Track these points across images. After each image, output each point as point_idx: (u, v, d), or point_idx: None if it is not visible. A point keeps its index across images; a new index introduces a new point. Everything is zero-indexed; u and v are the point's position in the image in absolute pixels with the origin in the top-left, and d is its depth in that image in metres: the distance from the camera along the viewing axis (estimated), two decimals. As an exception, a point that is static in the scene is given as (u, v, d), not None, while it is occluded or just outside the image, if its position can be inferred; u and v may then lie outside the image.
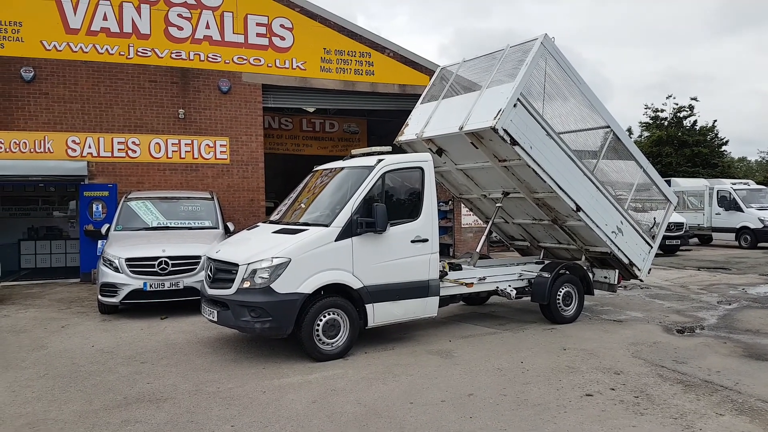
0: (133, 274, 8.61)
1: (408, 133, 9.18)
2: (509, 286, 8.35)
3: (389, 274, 6.78)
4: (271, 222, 7.42)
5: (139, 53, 13.50)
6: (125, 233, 9.53)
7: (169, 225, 9.76)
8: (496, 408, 4.98)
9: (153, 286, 8.62)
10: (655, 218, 9.43)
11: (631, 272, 9.05)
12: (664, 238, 18.85)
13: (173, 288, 8.70)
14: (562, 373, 5.96)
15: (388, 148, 7.59)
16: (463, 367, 6.17)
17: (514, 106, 7.60)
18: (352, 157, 7.81)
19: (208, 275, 6.81)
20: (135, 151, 13.48)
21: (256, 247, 6.56)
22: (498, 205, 9.19)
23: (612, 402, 5.12)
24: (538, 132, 7.85)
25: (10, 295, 11.04)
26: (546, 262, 9.12)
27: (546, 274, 8.30)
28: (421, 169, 7.18)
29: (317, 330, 6.31)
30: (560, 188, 8.04)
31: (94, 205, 13.03)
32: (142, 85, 13.55)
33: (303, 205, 7.37)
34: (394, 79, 15.79)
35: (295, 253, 6.21)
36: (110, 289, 8.66)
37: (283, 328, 6.18)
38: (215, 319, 6.53)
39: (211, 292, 6.63)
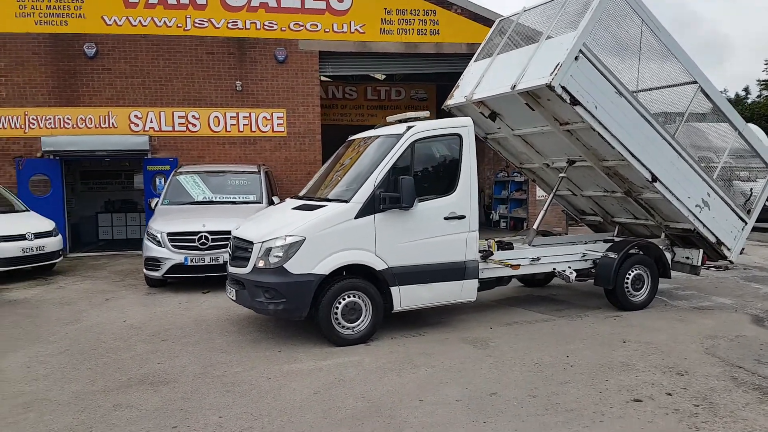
0: (175, 249, 8.49)
1: (457, 96, 8.29)
2: (569, 267, 7.37)
3: (418, 254, 6.08)
4: (297, 197, 6.92)
5: (196, 24, 13.37)
6: (171, 207, 9.45)
7: (213, 199, 9.58)
8: (518, 412, 4.22)
9: (194, 260, 8.47)
10: (752, 189, 8.00)
11: (719, 252, 7.75)
12: (773, 210, 16.80)
13: (213, 263, 8.52)
14: (613, 371, 5.06)
15: (426, 113, 6.80)
16: (496, 360, 5.41)
17: (576, 59, 6.54)
18: (387, 125, 7.09)
19: (230, 252, 6.44)
20: (195, 125, 13.48)
21: (272, 225, 6.08)
22: (561, 175, 8.14)
23: (663, 411, 4.20)
24: (605, 89, 6.74)
25: (76, 267, 11.43)
26: (616, 239, 8.01)
27: (613, 255, 7.24)
28: (459, 136, 6.35)
29: (336, 313, 5.77)
30: (632, 155, 6.91)
31: (157, 179, 13.21)
32: (200, 58, 13.44)
33: (330, 179, 6.78)
34: (462, 37, 14.65)
35: (310, 232, 5.66)
36: (153, 263, 8.61)
37: (298, 310, 5.69)
38: (234, 298, 6.17)
39: (231, 270, 6.27)
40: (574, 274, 7.30)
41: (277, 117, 13.86)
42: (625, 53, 7.19)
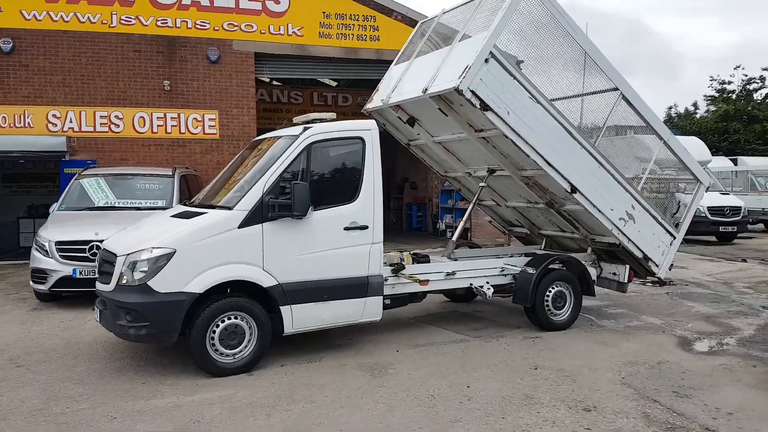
0: (63, 259, 7.69)
1: (376, 100, 7.77)
2: (487, 282, 6.88)
3: (314, 268, 5.49)
4: (186, 204, 6.25)
5: (122, 21, 12.59)
6: (67, 213, 8.65)
7: (116, 205, 8.79)
8: (388, 462, 3.64)
9: (83, 272, 7.66)
10: (680, 202, 7.65)
11: (646, 268, 7.35)
12: (718, 224, 16.76)
13: (109, 276, 7.73)
14: (513, 406, 4.53)
15: (332, 115, 6.24)
16: (388, 392, 4.83)
17: (486, 61, 6.07)
18: (293, 125, 6.49)
19: (97, 266, 5.73)
20: (118, 126, 12.66)
21: (141, 235, 5.41)
22: (481, 185, 7.67)
23: (555, 460, 3.68)
24: (518, 94, 6.28)
25: (-25, 278, 10.47)
26: (540, 253, 7.56)
27: (531, 270, 6.76)
28: (361, 139, 5.79)
29: (212, 338, 5.10)
30: (549, 164, 6.46)
31: (75, 183, 12.30)
32: (125, 56, 12.66)
33: (224, 184, 6.14)
34: (403, 44, 14.17)
35: (181, 243, 5.00)
36: (40, 274, 7.80)
37: (164, 335, 5.02)
38: (98, 319, 5.45)
39: (97, 286, 5.54)
40: (492, 290, 6.81)
41: (209, 119, 13.14)
42: (543, 58, 6.78)
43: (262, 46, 13.36)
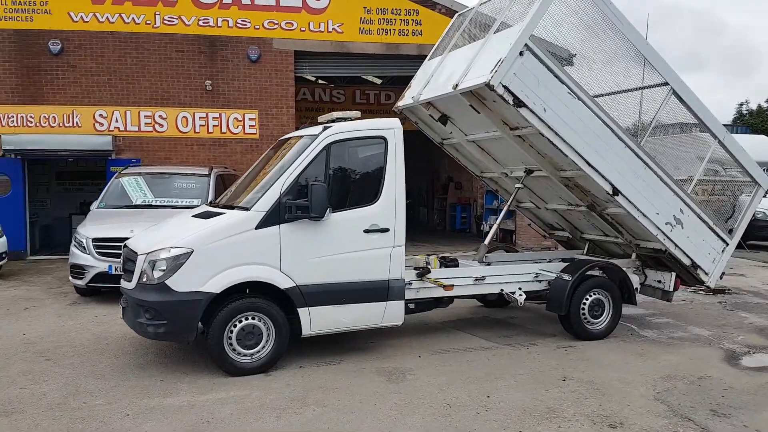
0: (100, 256, 7.85)
1: (407, 97, 7.54)
2: (519, 288, 6.57)
3: (333, 271, 5.35)
4: (211, 204, 6.22)
5: (165, 21, 12.83)
6: (106, 211, 8.84)
7: (153, 203, 8.93)
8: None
9: (119, 269, 7.77)
10: (735, 206, 7.11)
11: (695, 276, 6.87)
12: (784, 227, 15.67)
13: (143, 272, 7.85)
14: (533, 419, 4.26)
15: (357, 114, 6.08)
16: (403, 398, 4.64)
17: (520, 54, 5.77)
18: (317, 124, 6.38)
19: (122, 264, 5.77)
20: (162, 125, 12.92)
21: (163, 234, 5.40)
22: (517, 186, 7.36)
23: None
24: (556, 90, 5.95)
25: (24, 270, 10.90)
26: (578, 258, 7.17)
27: (567, 276, 6.41)
28: (384, 139, 5.60)
29: (230, 338, 5.04)
30: (589, 164, 6.11)
31: (121, 181, 12.64)
32: (168, 56, 12.90)
33: (247, 185, 6.08)
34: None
35: (199, 243, 4.96)
36: (78, 270, 8.00)
37: (182, 333, 5.00)
38: (122, 316, 5.48)
39: (122, 284, 5.58)
40: (524, 296, 6.49)
41: (249, 118, 13.25)
42: (585, 51, 6.41)
43: (301, 44, 13.35)
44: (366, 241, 5.45)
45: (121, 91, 12.77)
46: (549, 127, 5.92)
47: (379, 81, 19.20)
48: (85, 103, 12.63)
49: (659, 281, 7.01)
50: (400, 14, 13.69)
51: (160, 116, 12.89)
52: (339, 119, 5.93)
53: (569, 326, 6.49)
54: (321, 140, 5.39)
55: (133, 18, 12.71)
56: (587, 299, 6.45)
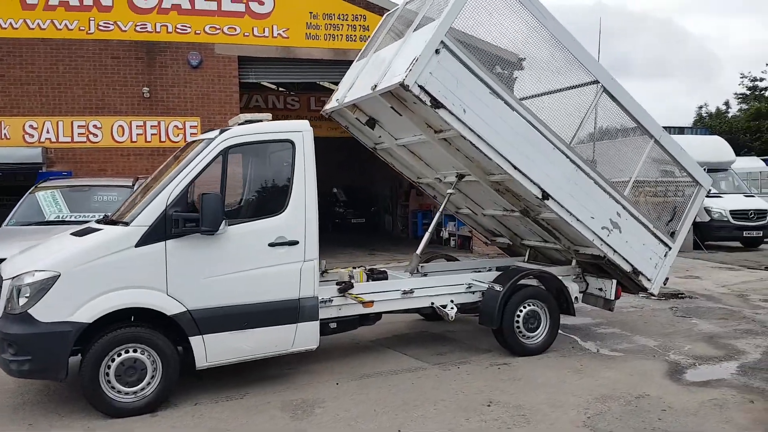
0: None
1: (333, 100, 7.10)
2: (451, 301, 6.11)
3: (231, 292, 4.81)
4: (104, 220, 5.60)
5: (100, 27, 12.17)
6: (15, 229, 8.14)
7: (68, 219, 8.26)
8: None
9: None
10: (675, 208, 6.76)
11: (637, 283, 6.50)
12: (742, 228, 15.53)
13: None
14: (440, 460, 3.77)
15: (268, 116, 5.56)
16: (300, 439, 4.12)
17: (437, 52, 5.35)
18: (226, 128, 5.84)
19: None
20: (96, 135, 12.24)
21: (35, 255, 4.80)
22: (449, 191, 6.93)
23: None
24: (476, 89, 5.53)
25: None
26: (514, 266, 6.73)
27: (498, 287, 5.96)
28: (291, 143, 5.10)
29: (107, 374, 4.44)
30: (515, 168, 5.70)
31: (53, 195, 11.91)
32: (103, 63, 12.23)
33: (140, 195, 5.50)
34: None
35: (66, 265, 4.38)
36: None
37: (49, 371, 4.41)
38: (-6, 350, 4.86)
39: (-10, 313, 4.95)
40: (455, 310, 6.03)
41: (191, 126, 12.63)
42: (514, 50, 6.00)
43: (245, 50, 12.80)
44: (271, 256, 4.92)
45: (52, 100, 12.06)
46: (470, 129, 5.49)
47: (335, 86, 18.71)
48: (14, 114, 11.89)
49: (600, 289, 6.62)
50: (347, 20, 13.26)
51: (95, 126, 12.20)
52: (248, 121, 5.41)
53: (503, 341, 6.04)
54: (216, 144, 4.86)
55: (66, 24, 12.03)
56: (521, 311, 6.01)
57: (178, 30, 12.47)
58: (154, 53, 12.42)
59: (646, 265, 6.40)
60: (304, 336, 5.09)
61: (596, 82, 6.17)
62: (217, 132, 5.05)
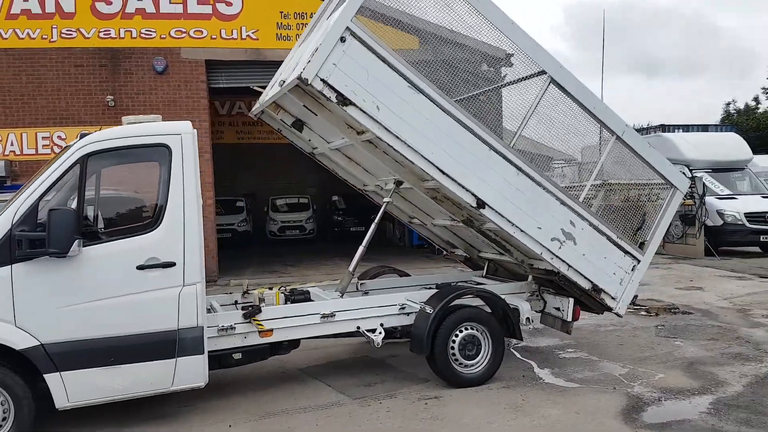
0: None
1: (260, 100, 6.44)
2: (381, 325, 5.34)
3: (93, 322, 4.15)
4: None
5: (63, 35, 11.76)
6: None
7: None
8: None
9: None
10: (645, 215, 5.89)
11: (599, 302, 5.65)
12: (758, 232, 14.33)
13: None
14: None
15: (157, 117, 4.90)
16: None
17: (341, 40, 4.65)
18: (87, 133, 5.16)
19: None
20: (61, 147, 11.72)
21: None
22: (386, 200, 6.16)
23: None
24: (392, 83, 4.81)
25: None
26: (454, 284, 5.93)
27: (429, 309, 5.18)
28: (167, 147, 4.44)
29: (-63, 420, 3.86)
30: (443, 173, 4.96)
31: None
32: (67, 71, 11.82)
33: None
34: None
35: None
36: None
37: None
38: None
39: None
40: (382, 335, 5.27)
41: (159, 136, 12.10)
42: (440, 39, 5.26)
43: (213, 53, 12.27)
44: (141, 281, 4.25)
45: (15, 112, 11.69)
46: (386, 129, 4.76)
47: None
48: (-25, 127, 11.56)
49: (558, 309, 5.78)
50: (320, 17, 12.60)
51: (59, 137, 11.77)
52: (135, 123, 4.75)
53: (437, 370, 5.25)
54: (72, 152, 4.23)
55: (28, 33, 11.66)
56: (457, 336, 5.21)
57: (142, 35, 12.00)
58: (118, 60, 11.97)
59: (609, 282, 5.55)
60: (187, 372, 4.39)
61: (543, 72, 5.37)
62: (78, 137, 4.41)
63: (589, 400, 4.86)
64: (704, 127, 19.58)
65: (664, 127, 19.19)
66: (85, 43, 11.83)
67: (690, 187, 14.03)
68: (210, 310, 5.44)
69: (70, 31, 11.79)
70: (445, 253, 7.67)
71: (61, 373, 4.06)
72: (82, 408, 4.20)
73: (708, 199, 14.01)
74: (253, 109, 6.52)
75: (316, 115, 5.33)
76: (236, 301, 5.76)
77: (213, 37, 12.20)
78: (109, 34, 11.89)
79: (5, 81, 11.66)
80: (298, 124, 6.13)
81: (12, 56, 11.66)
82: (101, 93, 11.90)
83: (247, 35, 12.32)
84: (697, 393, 4.99)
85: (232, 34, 12.27)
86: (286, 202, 22.63)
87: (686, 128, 19.00)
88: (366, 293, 6.38)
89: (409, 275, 7.11)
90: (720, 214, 14.14)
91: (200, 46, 12.16)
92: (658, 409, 4.68)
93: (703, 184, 13.88)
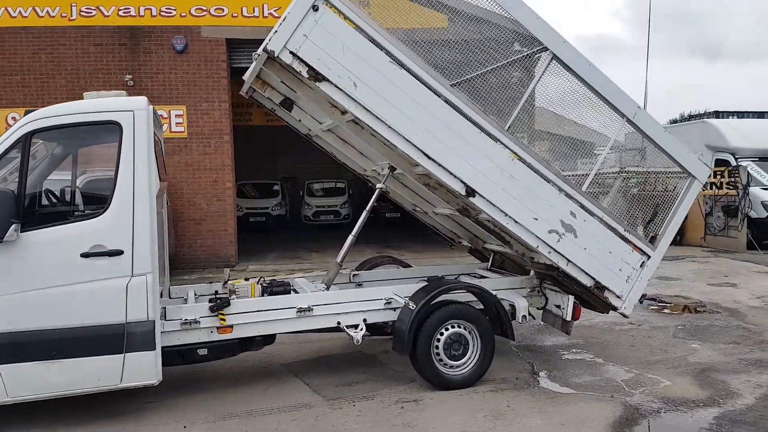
0: None
1: (245, 75, 6.08)
2: (364, 320, 4.98)
3: (33, 314, 3.93)
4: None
5: (82, 13, 11.72)
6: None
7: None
8: None
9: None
10: (657, 206, 5.29)
11: (603, 300, 5.12)
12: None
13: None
14: None
15: (121, 93, 4.62)
16: None
17: (314, 9, 4.27)
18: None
19: None
20: (80, 126, 11.85)
21: None
22: (379, 186, 5.77)
23: None
24: (371, 57, 4.40)
25: None
26: (441, 277, 5.50)
27: (412, 304, 4.78)
28: (118, 125, 4.14)
29: None
30: (429, 158, 4.52)
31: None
32: (86, 50, 11.79)
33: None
34: (400, 22, 12.29)
35: None
36: None
37: None
38: None
39: None
40: (363, 331, 4.91)
41: (176, 115, 12.01)
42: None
43: (234, 31, 12.00)
44: (85, 270, 3.99)
45: (35, 91, 11.75)
46: (364, 107, 4.37)
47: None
48: (-3, 106, 11.71)
49: (558, 306, 5.30)
50: (341, -8, 12.15)
51: (79, 117, 11.80)
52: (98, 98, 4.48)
53: (419, 371, 4.87)
54: (15, 130, 3.98)
55: (47, 11, 11.67)
56: (442, 334, 4.81)
57: (162, 13, 11.83)
58: (138, 38, 11.85)
59: (614, 279, 5.02)
60: (137, 369, 4.13)
61: (545, 49, 4.83)
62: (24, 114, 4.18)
63: (579, 410, 4.39)
64: (761, 114, 18.29)
65: (718, 114, 18.06)
66: (105, 21, 11.76)
67: (733, 177, 13.10)
68: (186, 301, 5.23)
69: (90, 9, 11.73)
70: (451, 243, 7.20)
71: None
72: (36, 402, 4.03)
73: (752, 189, 12.98)
74: (244, 87, 6.16)
75: (295, 92, 4.96)
76: (216, 292, 5.50)
77: (234, 15, 11.92)
78: (129, 12, 11.78)
79: (24, 60, 11.70)
80: (287, 103, 5.77)
81: (32, 34, 11.69)
82: (120, 72, 11.84)
83: (269, 13, 11.99)
84: (703, 405, 4.46)
85: (253, 12, 11.97)
86: (323, 186, 22.11)
87: (741, 114, 17.88)
88: (360, 285, 6.04)
89: (411, 266, 6.70)
90: (765, 205, 13.12)
91: (221, 24, 11.91)
92: (654, 422, 4.19)
93: (747, 173, 12.84)
